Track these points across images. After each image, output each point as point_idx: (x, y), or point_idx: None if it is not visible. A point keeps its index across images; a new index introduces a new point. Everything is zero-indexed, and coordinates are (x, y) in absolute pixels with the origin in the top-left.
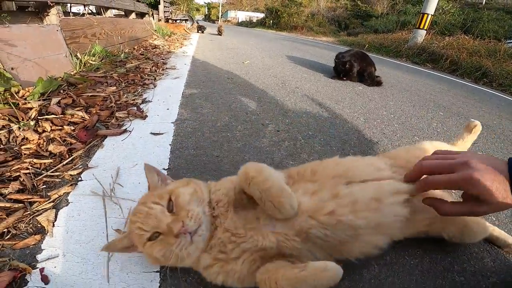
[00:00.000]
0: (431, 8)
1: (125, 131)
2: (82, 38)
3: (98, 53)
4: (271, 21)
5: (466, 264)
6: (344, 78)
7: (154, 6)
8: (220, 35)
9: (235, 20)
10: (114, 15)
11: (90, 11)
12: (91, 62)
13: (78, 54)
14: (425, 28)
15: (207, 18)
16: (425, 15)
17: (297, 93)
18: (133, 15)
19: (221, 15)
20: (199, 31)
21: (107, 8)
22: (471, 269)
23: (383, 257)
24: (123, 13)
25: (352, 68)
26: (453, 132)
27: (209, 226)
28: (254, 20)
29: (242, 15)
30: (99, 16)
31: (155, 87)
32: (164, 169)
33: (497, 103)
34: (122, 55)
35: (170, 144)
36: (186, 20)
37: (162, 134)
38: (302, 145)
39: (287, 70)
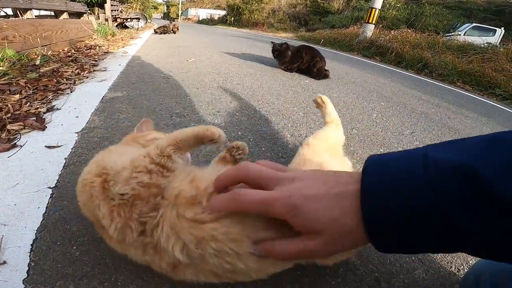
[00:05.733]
0: (378, 3)
1: (14, 146)
2: None
3: (9, 57)
4: (233, 18)
5: (395, 279)
6: (288, 68)
7: (100, 4)
8: (174, 33)
9: (195, 18)
10: (36, 16)
11: (5, 13)
12: None
13: None
14: (373, 22)
15: (166, 16)
16: (373, 10)
17: (237, 90)
18: (65, 15)
19: (181, 13)
20: (166, 33)
21: (25, 10)
22: (400, 284)
23: (300, 279)
24: (52, 13)
25: (287, 50)
26: (391, 122)
27: None
28: (216, 18)
29: (203, 13)
30: (14, 18)
31: (71, 92)
32: (49, 187)
33: (436, 93)
34: (39, 58)
35: (65, 158)
36: (138, 19)
37: (59, 146)
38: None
39: (234, 67)
